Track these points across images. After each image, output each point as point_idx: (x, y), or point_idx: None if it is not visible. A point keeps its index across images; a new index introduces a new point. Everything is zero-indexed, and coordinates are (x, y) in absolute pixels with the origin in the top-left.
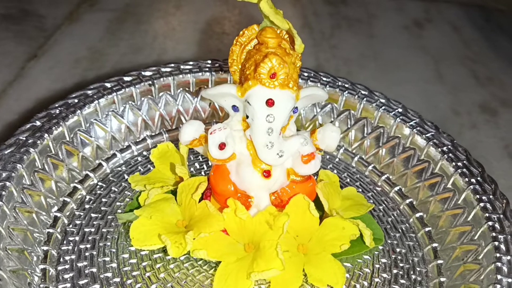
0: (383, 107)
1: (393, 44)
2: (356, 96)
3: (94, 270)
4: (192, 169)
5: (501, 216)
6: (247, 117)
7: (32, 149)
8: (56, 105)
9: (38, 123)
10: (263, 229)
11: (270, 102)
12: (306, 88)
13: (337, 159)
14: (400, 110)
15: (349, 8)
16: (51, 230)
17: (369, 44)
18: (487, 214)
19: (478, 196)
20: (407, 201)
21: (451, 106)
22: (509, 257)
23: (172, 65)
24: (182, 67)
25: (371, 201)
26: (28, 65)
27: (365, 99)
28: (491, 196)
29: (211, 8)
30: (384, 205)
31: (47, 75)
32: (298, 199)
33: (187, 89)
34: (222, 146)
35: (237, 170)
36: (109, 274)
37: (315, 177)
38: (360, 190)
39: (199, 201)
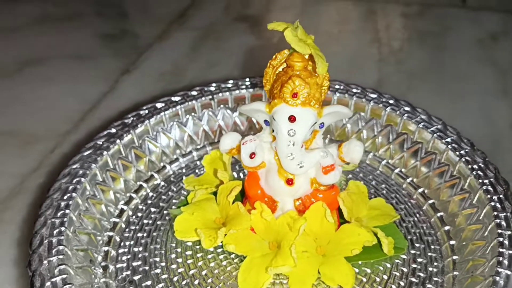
0: (422, 123)
1: (462, 57)
2: (398, 111)
3: (146, 254)
4: (241, 174)
5: None
6: (273, 130)
7: (105, 152)
8: (129, 116)
9: (113, 130)
10: (284, 230)
11: (292, 118)
12: (329, 106)
13: (378, 171)
14: (439, 126)
15: (424, 21)
16: (116, 220)
17: (437, 57)
18: (499, 231)
19: (496, 213)
20: (438, 214)
21: (511, 123)
22: None
23: (231, 81)
24: (239, 83)
25: (403, 212)
26: (121, 79)
27: (406, 115)
28: (508, 214)
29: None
30: (415, 218)
31: (135, 88)
32: (317, 206)
33: (243, 102)
34: (252, 155)
35: (266, 177)
36: (157, 259)
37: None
38: (395, 201)
39: (233, 202)
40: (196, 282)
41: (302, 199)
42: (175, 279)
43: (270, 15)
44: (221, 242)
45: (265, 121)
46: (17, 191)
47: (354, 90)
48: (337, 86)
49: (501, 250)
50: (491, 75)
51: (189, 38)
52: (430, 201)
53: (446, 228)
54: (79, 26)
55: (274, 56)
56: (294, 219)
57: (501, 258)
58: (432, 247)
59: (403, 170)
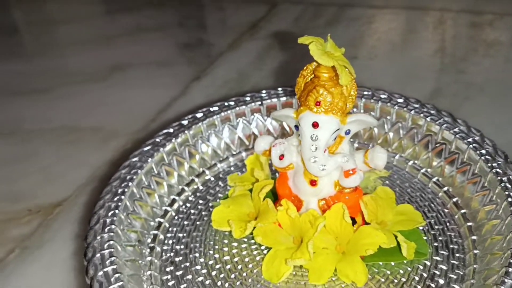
0: (460, 134)
1: None
2: (438, 121)
3: (188, 240)
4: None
5: None
6: (299, 135)
7: (162, 149)
8: (186, 118)
9: (171, 130)
10: (307, 227)
11: (315, 124)
12: (354, 114)
13: (416, 179)
14: (476, 138)
15: (494, 31)
16: (168, 208)
17: (502, 68)
18: None
19: None
20: (468, 224)
21: None
22: None
23: (280, 89)
24: (289, 89)
25: (433, 220)
26: (191, 85)
27: (445, 125)
28: None
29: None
30: (444, 226)
31: (202, 93)
32: (337, 207)
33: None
34: (281, 157)
35: (293, 177)
36: (197, 244)
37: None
38: (427, 209)
39: (264, 199)
40: (228, 267)
41: (326, 199)
42: (210, 262)
43: (339, 25)
44: (251, 233)
45: (295, 126)
46: (91, 179)
47: (398, 100)
48: (381, 96)
49: None
50: None
51: (257, 47)
52: (462, 211)
53: (473, 237)
54: (163, 36)
55: (305, 67)
56: (315, 217)
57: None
58: (456, 255)
59: (440, 179)
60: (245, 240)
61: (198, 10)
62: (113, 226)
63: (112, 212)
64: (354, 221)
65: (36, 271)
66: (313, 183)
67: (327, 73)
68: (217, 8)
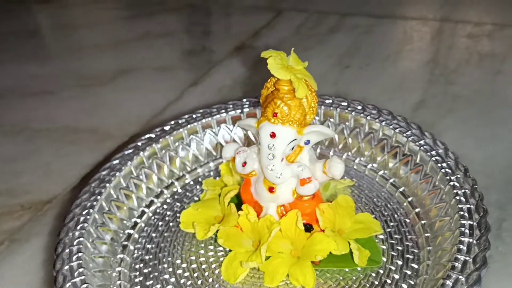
0: (424, 146)
1: None
2: (405, 133)
3: (160, 240)
4: None
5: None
6: (259, 144)
7: (142, 153)
8: (168, 124)
9: (153, 135)
10: (264, 232)
11: (272, 134)
12: (310, 125)
13: (384, 189)
14: (439, 151)
15: (491, 42)
16: (145, 209)
17: (492, 81)
18: (458, 255)
19: (461, 238)
20: (425, 234)
21: None
22: None
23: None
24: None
25: (393, 230)
26: (188, 90)
27: (412, 137)
28: (473, 241)
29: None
30: (403, 236)
31: (197, 99)
32: (292, 213)
33: None
34: (244, 164)
35: (255, 184)
36: (167, 244)
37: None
38: (389, 219)
39: (228, 203)
40: (193, 266)
41: (284, 206)
42: (177, 261)
43: (337, 34)
44: (214, 235)
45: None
46: (83, 179)
47: (372, 111)
48: (357, 107)
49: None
50: None
51: (255, 55)
52: (423, 222)
53: (429, 248)
54: (170, 42)
55: (269, 79)
56: (272, 223)
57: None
58: (410, 264)
59: (406, 189)
60: (212, 242)
61: (205, 17)
62: (85, 225)
63: (86, 211)
64: (311, 228)
65: (22, 262)
66: (271, 189)
67: (287, 86)
68: (224, 15)
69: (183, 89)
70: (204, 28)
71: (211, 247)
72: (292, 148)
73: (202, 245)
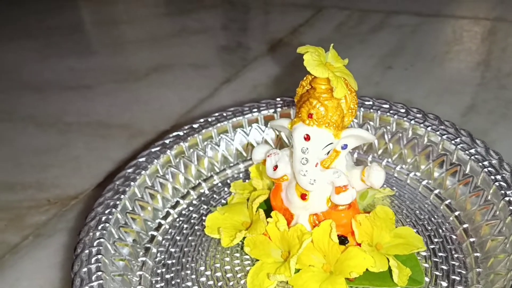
0: (475, 156)
1: None
2: (454, 141)
3: (184, 243)
4: None
5: None
6: (292, 146)
7: (169, 151)
8: (197, 121)
9: (181, 132)
10: (294, 242)
11: (306, 137)
12: (349, 129)
13: (428, 201)
14: (493, 162)
15: None
16: (170, 210)
17: None
18: None
19: None
20: (475, 254)
21: None
22: None
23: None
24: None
25: (438, 247)
26: (221, 87)
27: (460, 145)
28: None
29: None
30: (449, 254)
31: (230, 96)
32: (325, 224)
33: None
34: (275, 168)
35: (286, 189)
36: (191, 249)
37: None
38: (433, 234)
39: (256, 209)
40: (217, 274)
41: (317, 215)
42: (201, 268)
43: (381, 33)
44: (240, 242)
45: (291, 136)
46: (111, 175)
47: (417, 115)
48: (400, 110)
49: None
50: None
51: (293, 53)
52: (471, 239)
53: (478, 270)
54: (206, 38)
55: (305, 77)
56: (303, 233)
57: None
58: (456, 287)
59: (452, 202)
60: (238, 249)
61: (243, 13)
62: (107, 225)
63: (109, 210)
64: (346, 240)
65: (43, 259)
66: (303, 196)
67: (324, 84)
68: (263, 12)
69: (216, 86)
70: (241, 25)
71: (237, 254)
72: (328, 152)
73: (228, 252)
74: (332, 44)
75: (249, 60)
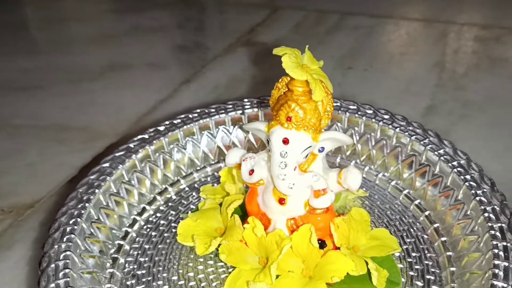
0: (444, 156)
1: None
2: (422, 142)
3: (154, 252)
4: None
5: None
6: (269, 150)
7: (134, 155)
8: (162, 124)
9: (146, 136)
10: (273, 248)
11: (285, 140)
12: (327, 132)
13: (397, 201)
14: (461, 162)
15: (500, 47)
16: (137, 218)
17: (505, 87)
18: (493, 282)
19: (496, 261)
20: (448, 253)
21: None
22: None
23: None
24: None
25: (411, 247)
26: (180, 88)
27: (430, 146)
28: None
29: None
30: (422, 254)
31: (191, 97)
32: (305, 228)
33: None
34: (250, 172)
35: (263, 194)
36: (162, 258)
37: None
38: (405, 234)
39: (231, 214)
40: (191, 284)
41: (295, 219)
42: (173, 278)
43: (338, 34)
44: (216, 250)
45: (267, 140)
46: (69, 181)
47: (384, 116)
48: (367, 111)
49: None
50: None
51: (252, 53)
52: (443, 239)
53: (452, 269)
54: (162, 37)
55: (280, 79)
56: (282, 238)
57: None
58: (433, 287)
59: (422, 202)
60: (212, 256)
61: (199, 13)
62: (72, 236)
63: (74, 220)
64: (324, 244)
65: (4, 272)
66: (281, 201)
67: (302, 87)
68: (218, 11)
69: (175, 87)
70: (197, 24)
71: (211, 262)
72: (306, 156)
73: (201, 259)
74: (307, 46)
75: (208, 60)
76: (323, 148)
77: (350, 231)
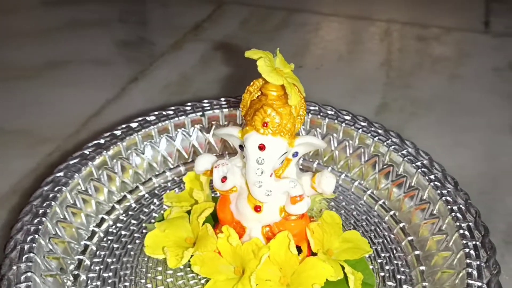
0: (408, 157)
1: (475, 87)
2: (385, 143)
3: (118, 266)
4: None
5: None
6: (244, 157)
7: (90, 162)
8: (119, 128)
9: (102, 141)
10: (249, 257)
11: (261, 147)
12: (302, 136)
13: (362, 201)
14: (424, 162)
15: (441, 46)
16: (95, 229)
17: (448, 85)
18: (469, 281)
19: (468, 260)
20: (416, 252)
21: None
22: None
23: (223, 99)
24: (233, 100)
25: (380, 247)
26: (128, 87)
27: (393, 146)
28: (482, 263)
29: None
30: (391, 254)
31: (141, 97)
32: (282, 235)
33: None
34: (223, 179)
35: (236, 201)
36: (127, 272)
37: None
38: (373, 234)
39: (203, 223)
40: None
41: (270, 226)
42: None
43: (285, 31)
44: (189, 261)
45: (240, 146)
46: (12, 192)
47: (345, 117)
48: (328, 112)
49: None
50: (501, 109)
51: (201, 50)
52: (410, 238)
53: (422, 268)
54: (102, 32)
55: (252, 82)
56: (259, 247)
57: None
58: (405, 286)
59: (386, 202)
60: (182, 267)
61: (140, 5)
62: (31, 255)
63: (31, 237)
64: (299, 250)
65: None
66: (257, 208)
67: (276, 91)
68: (160, 5)
69: (123, 85)
70: (139, 17)
71: (181, 273)
72: (282, 162)
73: (170, 272)
74: (278, 48)
75: (155, 57)
76: (297, 153)
77: (324, 235)
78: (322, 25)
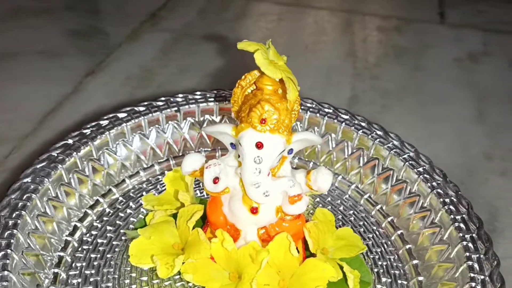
0: (394, 150)
1: (439, 78)
2: (370, 136)
3: (98, 278)
4: (205, 194)
5: (486, 277)
6: (239, 156)
7: (60, 165)
8: (88, 126)
9: (70, 141)
10: (246, 262)
11: (259, 145)
12: (298, 132)
13: (346, 195)
14: (411, 154)
15: (402, 36)
16: (68, 238)
17: (414, 76)
18: (471, 274)
19: (468, 253)
20: (407, 246)
21: (485, 150)
22: None
23: (199, 93)
24: (208, 95)
25: (370, 242)
26: (85, 80)
27: (378, 139)
28: (481, 256)
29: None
30: (383, 248)
31: (101, 91)
32: (281, 237)
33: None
34: (215, 180)
35: (229, 203)
36: (109, 284)
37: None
38: (362, 229)
39: (193, 228)
40: None
41: (266, 228)
42: None
43: (246, 21)
44: (179, 270)
45: (231, 144)
46: None
47: (327, 110)
48: (308, 105)
49: None
50: (467, 99)
51: (160, 40)
52: (399, 232)
53: (415, 262)
54: (49, 21)
55: (243, 76)
56: (257, 251)
57: None
58: (399, 281)
59: (372, 196)
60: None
61: None
62: (6, 273)
63: (4, 252)
64: (298, 251)
65: None
66: (253, 210)
67: (271, 85)
68: None
69: (79, 79)
70: (89, 5)
71: (168, 282)
72: (279, 160)
73: (157, 281)
74: (269, 40)
75: (111, 48)
76: (292, 150)
77: (319, 234)
78: (283, 16)
